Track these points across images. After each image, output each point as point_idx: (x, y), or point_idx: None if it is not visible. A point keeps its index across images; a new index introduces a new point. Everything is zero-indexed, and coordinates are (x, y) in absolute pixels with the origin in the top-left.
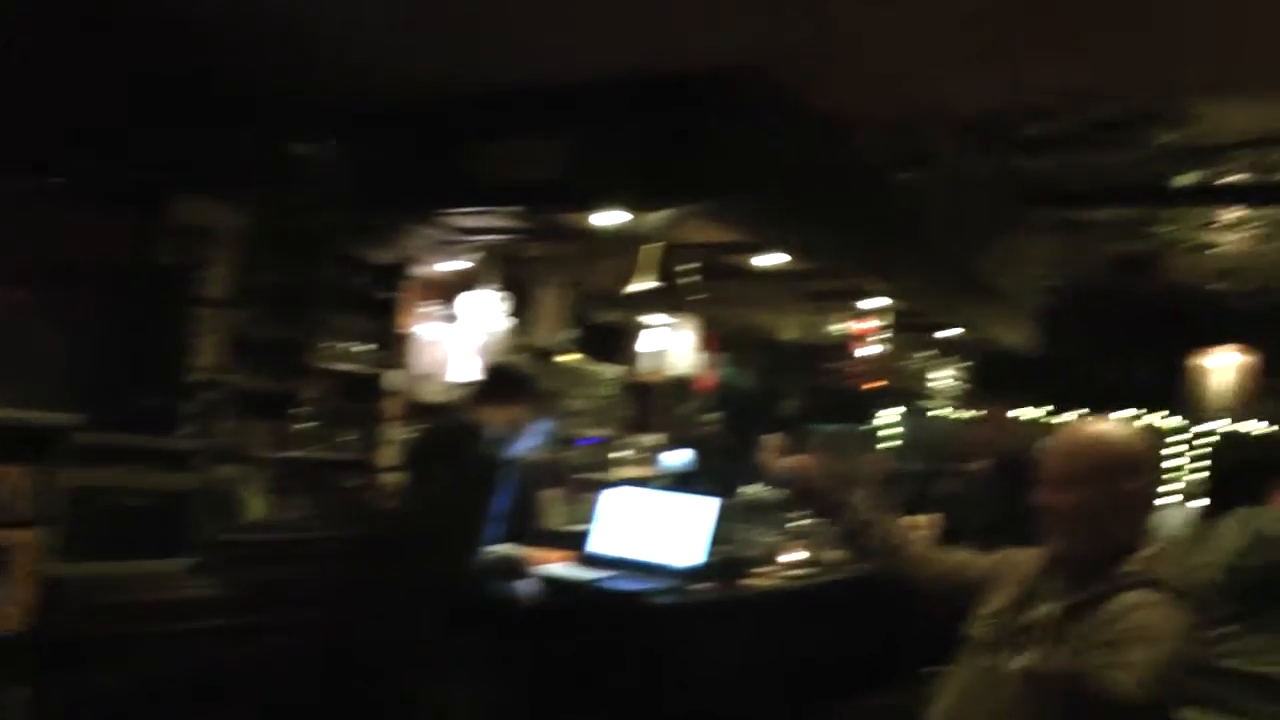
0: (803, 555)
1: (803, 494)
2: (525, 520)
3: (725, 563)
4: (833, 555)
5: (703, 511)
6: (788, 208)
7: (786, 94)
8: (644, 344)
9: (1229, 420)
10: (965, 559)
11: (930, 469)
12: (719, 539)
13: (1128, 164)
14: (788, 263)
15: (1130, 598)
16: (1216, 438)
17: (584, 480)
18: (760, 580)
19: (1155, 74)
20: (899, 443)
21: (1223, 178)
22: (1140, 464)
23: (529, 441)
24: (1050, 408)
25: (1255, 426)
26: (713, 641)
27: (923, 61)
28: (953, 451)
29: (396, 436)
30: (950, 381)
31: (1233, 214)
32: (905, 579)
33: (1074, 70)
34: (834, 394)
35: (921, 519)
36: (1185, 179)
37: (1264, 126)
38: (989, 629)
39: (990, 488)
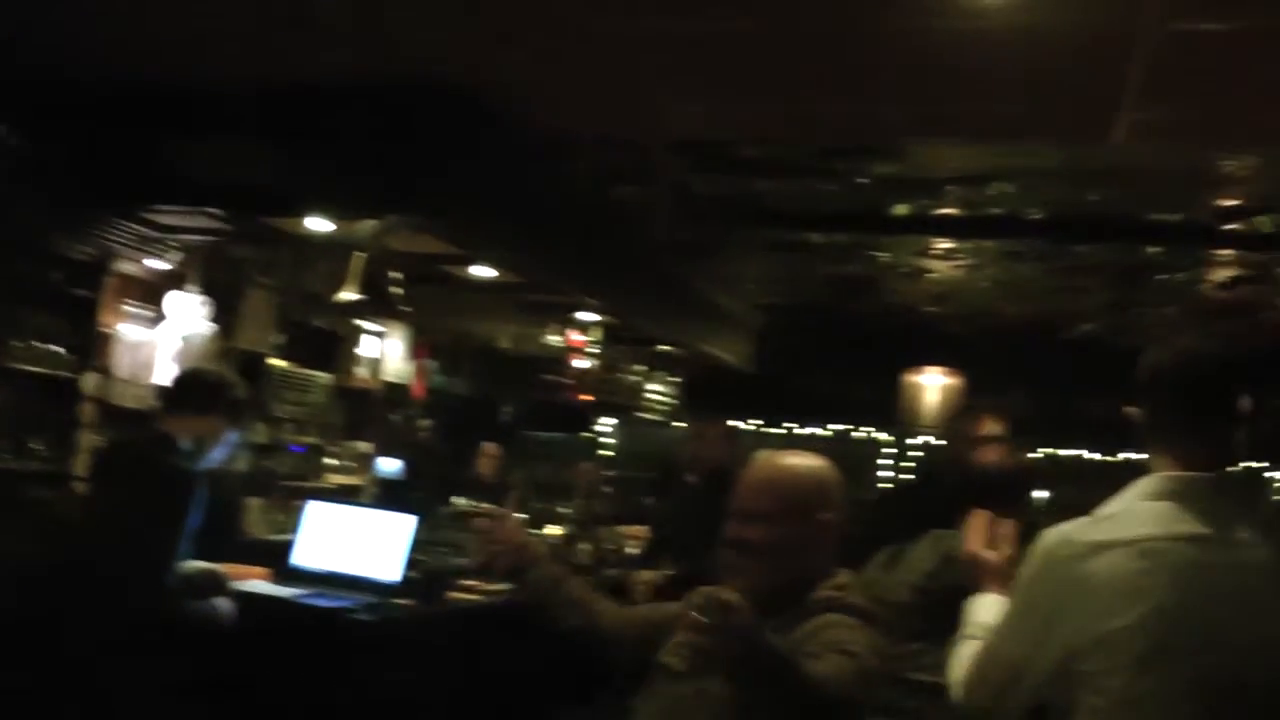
0: None
1: (489, 558)
2: (224, 534)
3: (430, 577)
4: None
5: (401, 526)
6: (497, 222)
7: (501, 108)
8: (355, 350)
9: (933, 437)
10: (646, 611)
11: (643, 479)
12: (422, 552)
13: (846, 191)
14: (501, 274)
15: (821, 620)
16: (922, 453)
17: (293, 488)
18: (466, 595)
19: (866, 113)
20: (613, 453)
21: (936, 210)
22: (831, 495)
23: (222, 451)
24: (761, 422)
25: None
26: (413, 658)
27: (640, 83)
28: (666, 463)
29: (92, 444)
30: (665, 394)
31: (945, 244)
32: (593, 634)
33: (789, 103)
34: (550, 404)
35: (636, 529)
36: (901, 209)
37: (971, 165)
38: (682, 657)
39: (698, 501)
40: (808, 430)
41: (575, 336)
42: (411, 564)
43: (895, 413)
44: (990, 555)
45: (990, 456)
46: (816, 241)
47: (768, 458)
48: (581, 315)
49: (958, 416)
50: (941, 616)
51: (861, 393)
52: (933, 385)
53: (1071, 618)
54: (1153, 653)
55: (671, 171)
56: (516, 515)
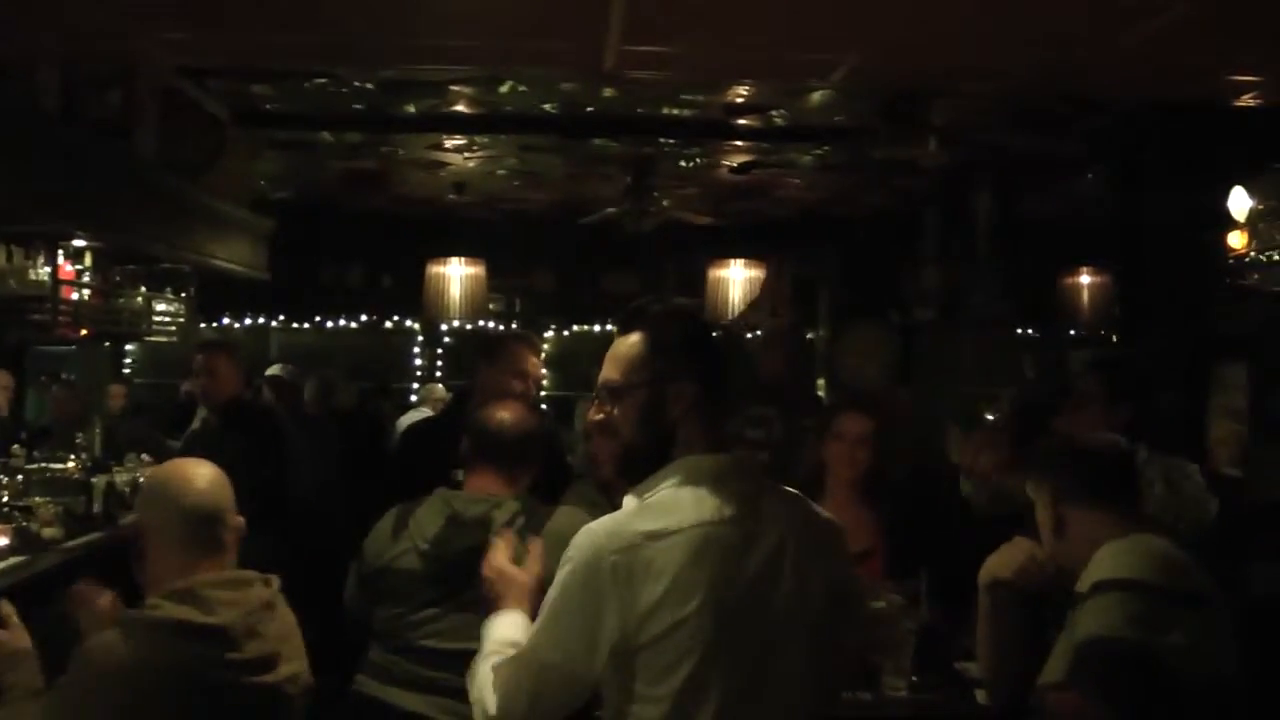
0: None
1: None
2: None
3: None
4: (52, 533)
5: None
6: None
7: None
8: None
9: (459, 322)
10: None
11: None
12: None
13: (351, 93)
14: None
15: None
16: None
17: None
18: None
19: (346, 44)
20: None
21: (446, 108)
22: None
23: None
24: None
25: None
26: None
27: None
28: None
29: None
30: (175, 314)
31: (459, 139)
32: None
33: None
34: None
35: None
36: (410, 108)
37: (478, 71)
38: None
39: (212, 436)
40: (339, 324)
41: (66, 267)
42: None
43: (422, 303)
44: (517, 573)
45: (498, 413)
46: (327, 140)
47: None
48: (72, 244)
49: (497, 354)
50: (450, 581)
51: (388, 284)
52: (454, 274)
53: (629, 612)
54: (714, 638)
55: (158, 80)
56: None
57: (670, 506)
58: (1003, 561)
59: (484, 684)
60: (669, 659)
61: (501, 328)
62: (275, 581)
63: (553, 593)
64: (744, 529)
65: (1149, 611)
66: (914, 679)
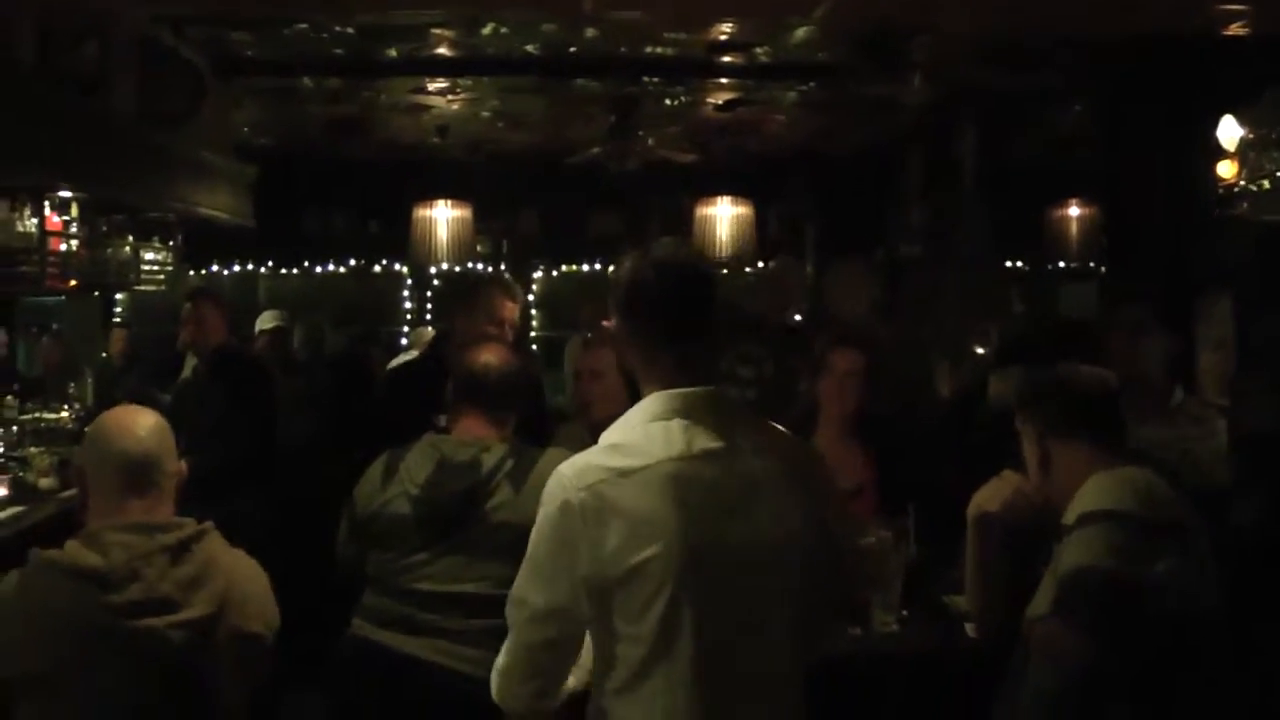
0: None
1: None
2: None
3: None
4: (48, 483)
5: None
6: None
7: None
8: None
9: (447, 265)
10: None
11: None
12: None
13: (331, 38)
14: None
15: None
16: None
17: None
18: None
19: None
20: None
21: (426, 52)
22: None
23: None
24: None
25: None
26: None
27: None
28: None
29: None
30: (163, 262)
31: (441, 83)
32: None
33: None
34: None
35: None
36: (391, 52)
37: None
38: None
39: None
40: (326, 269)
41: (54, 219)
42: None
43: (409, 247)
44: None
45: (484, 357)
46: (308, 86)
47: None
48: (59, 195)
49: (471, 300)
50: (441, 525)
51: (375, 229)
52: (441, 217)
53: (599, 551)
54: (687, 574)
55: (135, 31)
56: None
57: (639, 442)
58: (989, 495)
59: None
60: (644, 595)
61: (490, 269)
62: (204, 527)
63: (533, 537)
64: (717, 463)
65: (1132, 542)
66: (904, 613)
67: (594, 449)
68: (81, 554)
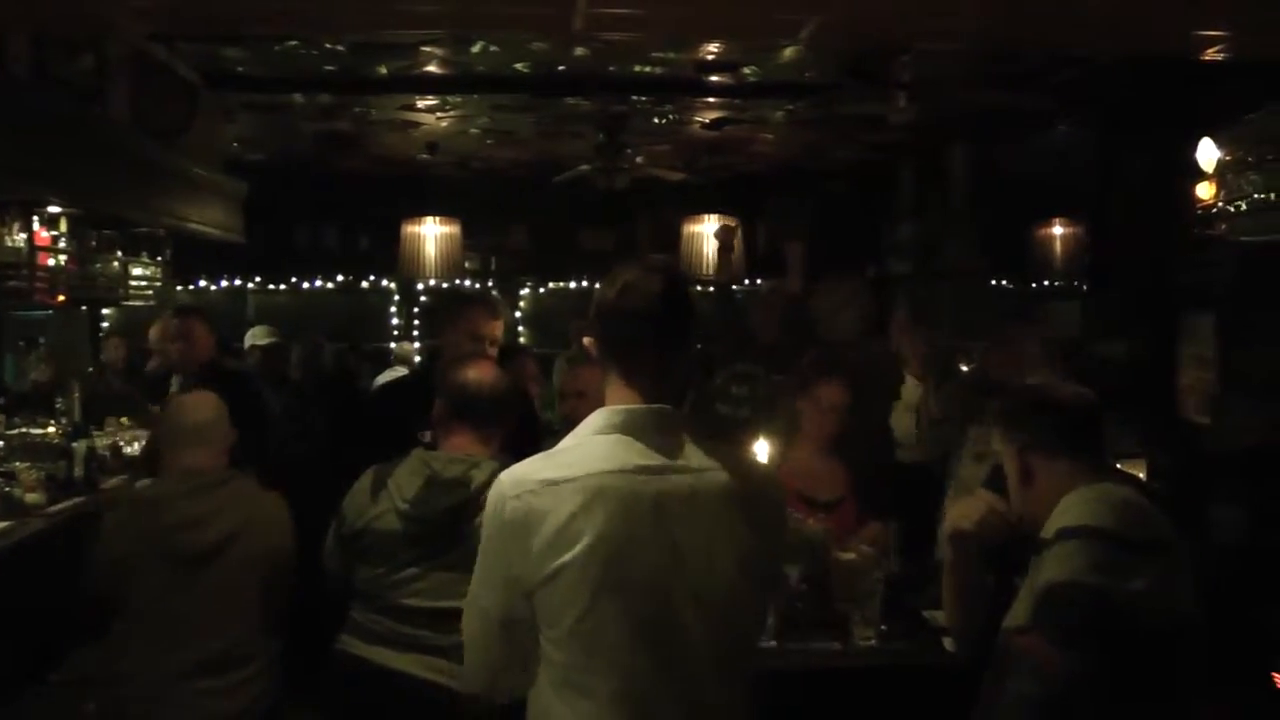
0: None
1: None
2: None
3: None
4: (35, 498)
5: None
6: None
7: None
8: None
9: (435, 281)
10: None
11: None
12: None
13: (322, 55)
14: None
15: None
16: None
17: None
18: None
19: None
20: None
21: (416, 69)
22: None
23: None
24: (262, 281)
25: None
26: None
27: None
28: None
29: None
30: (152, 277)
31: (430, 100)
32: None
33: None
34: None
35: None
36: (381, 69)
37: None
38: None
39: None
40: (315, 285)
41: (42, 233)
42: None
43: (398, 263)
44: None
45: (473, 374)
46: (299, 102)
47: None
48: (48, 210)
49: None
50: (430, 541)
51: (364, 245)
52: (430, 233)
53: (525, 555)
54: (602, 584)
55: (129, 45)
56: None
57: (576, 455)
58: (964, 513)
59: None
60: (558, 601)
61: (478, 286)
62: (245, 473)
63: (481, 540)
64: (651, 479)
65: (1110, 558)
66: (883, 628)
67: (535, 458)
68: (150, 487)
